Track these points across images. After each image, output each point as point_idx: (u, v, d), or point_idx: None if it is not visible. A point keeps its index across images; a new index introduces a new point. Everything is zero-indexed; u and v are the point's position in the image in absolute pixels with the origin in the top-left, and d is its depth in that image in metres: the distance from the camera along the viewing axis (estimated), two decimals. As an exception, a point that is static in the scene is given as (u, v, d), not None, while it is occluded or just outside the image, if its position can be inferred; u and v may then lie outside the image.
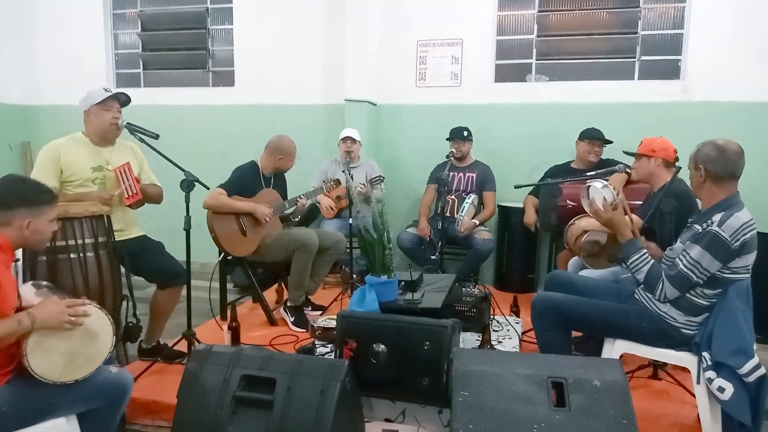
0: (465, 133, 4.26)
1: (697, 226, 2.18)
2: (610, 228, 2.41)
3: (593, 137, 3.99)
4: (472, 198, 3.96)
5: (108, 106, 2.77)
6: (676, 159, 3.01)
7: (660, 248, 2.51)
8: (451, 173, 4.24)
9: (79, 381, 1.78)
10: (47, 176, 2.65)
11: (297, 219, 3.77)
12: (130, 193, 2.70)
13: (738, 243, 2.05)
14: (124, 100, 2.85)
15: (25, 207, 1.80)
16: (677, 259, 2.17)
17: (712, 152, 2.15)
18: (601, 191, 2.49)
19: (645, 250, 2.29)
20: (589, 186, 2.58)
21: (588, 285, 2.63)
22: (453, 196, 4.25)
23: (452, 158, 4.13)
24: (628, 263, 2.31)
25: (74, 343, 1.79)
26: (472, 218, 4.06)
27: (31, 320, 1.70)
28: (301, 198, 3.64)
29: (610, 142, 4.01)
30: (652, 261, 2.26)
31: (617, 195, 3.19)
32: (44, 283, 2.05)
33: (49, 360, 1.74)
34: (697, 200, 2.36)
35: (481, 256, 4.10)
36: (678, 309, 2.22)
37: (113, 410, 1.94)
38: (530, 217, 4.08)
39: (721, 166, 2.14)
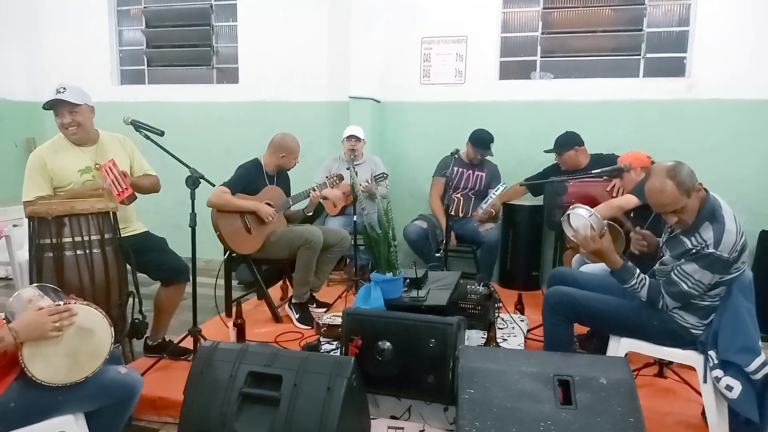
0: (491, 146, 4.20)
1: (686, 239, 2.14)
2: (599, 257, 2.33)
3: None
4: (503, 187, 3.98)
5: (57, 111, 2.60)
6: (652, 162, 3.02)
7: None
8: (460, 170, 4.22)
9: (88, 378, 1.77)
10: (39, 185, 2.59)
11: (310, 213, 3.76)
12: (120, 189, 2.55)
13: (736, 253, 2.07)
14: (69, 102, 2.56)
15: None
16: (673, 275, 2.15)
17: (686, 167, 2.11)
18: (587, 219, 2.34)
19: (638, 272, 2.26)
20: (570, 214, 2.46)
21: (592, 281, 2.61)
22: (459, 195, 4.24)
23: (459, 155, 4.11)
24: (624, 287, 2.29)
25: (72, 343, 1.75)
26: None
27: (14, 335, 1.65)
28: (314, 190, 3.62)
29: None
30: (648, 281, 2.25)
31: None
32: (50, 286, 1.99)
33: (52, 365, 1.71)
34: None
35: (491, 248, 4.08)
36: (686, 311, 2.22)
37: (121, 410, 1.94)
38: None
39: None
